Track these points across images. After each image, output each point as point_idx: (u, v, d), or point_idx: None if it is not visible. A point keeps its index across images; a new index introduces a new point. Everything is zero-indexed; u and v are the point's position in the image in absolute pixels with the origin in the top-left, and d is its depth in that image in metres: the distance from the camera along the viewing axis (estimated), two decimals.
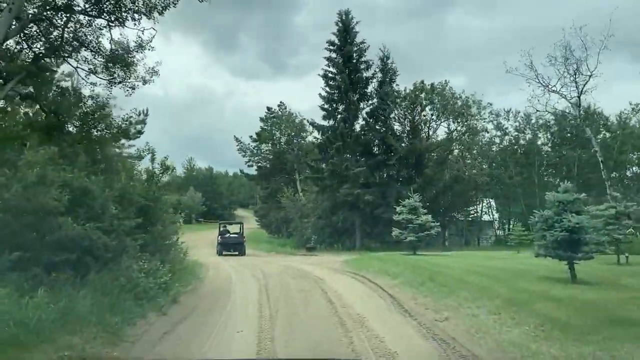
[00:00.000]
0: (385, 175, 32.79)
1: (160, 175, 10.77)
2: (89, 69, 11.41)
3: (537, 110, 28.26)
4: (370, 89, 33.20)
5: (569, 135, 39.42)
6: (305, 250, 31.20)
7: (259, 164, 44.79)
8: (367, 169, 30.33)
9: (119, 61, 11.48)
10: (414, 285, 10.28)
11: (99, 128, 10.69)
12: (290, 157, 43.51)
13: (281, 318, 7.81)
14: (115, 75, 11.65)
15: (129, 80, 11.54)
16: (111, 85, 11.43)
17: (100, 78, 11.49)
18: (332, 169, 30.80)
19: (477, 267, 12.24)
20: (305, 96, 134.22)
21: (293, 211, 36.55)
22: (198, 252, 32.89)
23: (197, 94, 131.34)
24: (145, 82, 11.84)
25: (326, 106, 32.84)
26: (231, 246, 27.94)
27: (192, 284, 11.70)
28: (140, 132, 17.74)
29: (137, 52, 11.62)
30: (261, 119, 44.93)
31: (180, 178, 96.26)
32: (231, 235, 29.51)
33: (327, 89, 32.86)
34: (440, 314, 7.76)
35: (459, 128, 30.42)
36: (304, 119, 44.55)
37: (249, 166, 44.57)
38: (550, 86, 26.99)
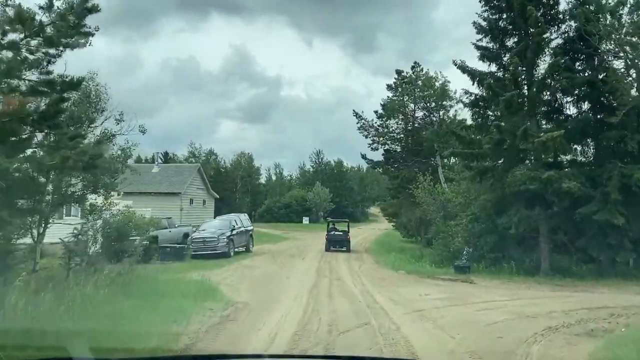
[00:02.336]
0: (595, 147, 19.30)
1: None
2: None
3: None
4: (562, 7, 20.02)
5: None
6: (454, 272, 19.41)
7: (386, 146, 33.75)
8: (564, 136, 17.33)
9: None
10: None
11: None
12: (429, 134, 31.63)
13: None
14: None
15: None
16: None
17: None
18: (499, 138, 18.38)
19: None
20: None
21: (433, 209, 24.84)
22: (295, 264, 23.23)
23: (337, 95, 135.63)
24: None
25: (484, 42, 20.54)
26: (337, 243, 28.45)
27: None
28: (84, 35, 8.17)
29: None
30: (388, 87, 33.78)
31: (309, 173, 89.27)
32: (337, 233, 29.65)
33: (487, 13, 20.51)
34: None
35: None
36: (447, 80, 32.34)
37: (372, 149, 33.85)
38: None
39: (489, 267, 19.73)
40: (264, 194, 79.35)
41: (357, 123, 33.65)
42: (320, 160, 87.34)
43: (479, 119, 21.17)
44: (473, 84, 19.94)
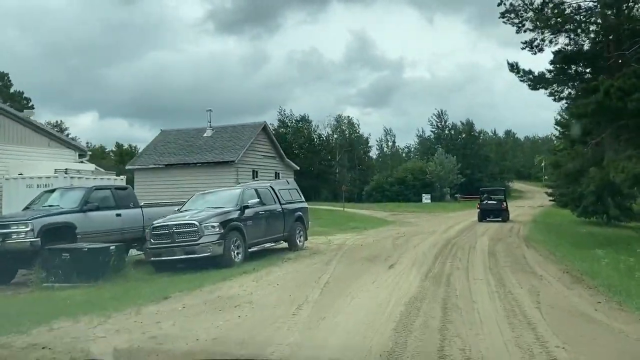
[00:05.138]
0: None
1: None
2: None
3: None
4: None
5: None
6: None
7: (560, 41, 17.34)
8: None
9: None
10: None
11: None
12: None
13: None
14: None
15: None
16: None
17: None
18: None
19: None
20: None
21: None
22: (354, 291, 8.98)
23: (463, 72, 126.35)
24: None
25: None
26: (491, 212, 26.59)
27: None
28: None
29: None
30: None
31: (429, 140, 72.37)
32: (490, 202, 27.53)
33: None
34: None
35: None
36: None
37: (532, 50, 17.57)
38: None
39: None
40: (374, 169, 65.00)
41: (499, 5, 17.83)
42: (443, 123, 69.44)
43: None
44: None
